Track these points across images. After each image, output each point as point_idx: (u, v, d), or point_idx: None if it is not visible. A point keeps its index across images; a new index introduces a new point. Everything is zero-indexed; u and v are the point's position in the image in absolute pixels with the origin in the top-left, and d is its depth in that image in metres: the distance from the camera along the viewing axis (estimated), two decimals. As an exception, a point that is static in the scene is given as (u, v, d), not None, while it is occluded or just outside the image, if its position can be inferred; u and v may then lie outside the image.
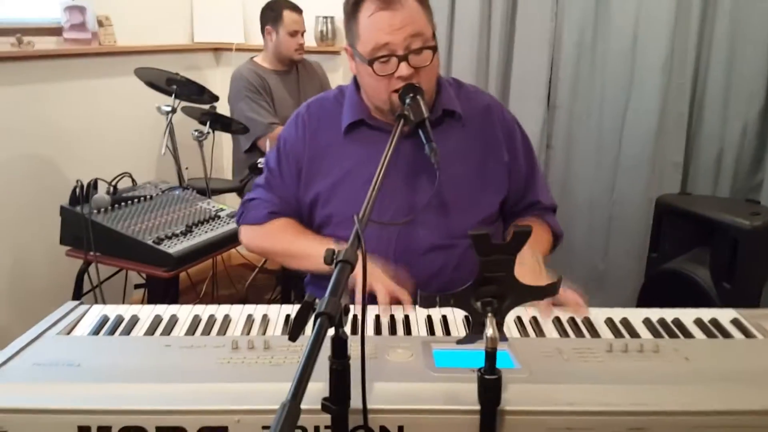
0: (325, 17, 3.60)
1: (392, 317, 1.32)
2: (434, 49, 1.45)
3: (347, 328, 0.91)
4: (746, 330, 1.27)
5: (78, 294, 2.44)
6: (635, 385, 1.02)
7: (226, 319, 1.31)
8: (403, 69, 1.41)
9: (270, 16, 3.25)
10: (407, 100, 1.39)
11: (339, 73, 3.69)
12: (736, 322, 1.30)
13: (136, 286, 2.85)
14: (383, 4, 1.40)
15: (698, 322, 1.30)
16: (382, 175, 1.16)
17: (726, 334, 1.26)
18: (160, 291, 2.42)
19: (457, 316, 1.32)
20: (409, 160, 1.52)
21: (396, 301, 1.37)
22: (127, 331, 1.27)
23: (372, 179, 1.15)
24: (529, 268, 1.37)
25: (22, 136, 2.86)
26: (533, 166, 1.70)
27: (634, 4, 3.12)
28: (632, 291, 3.10)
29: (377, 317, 1.33)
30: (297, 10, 3.27)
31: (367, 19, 1.42)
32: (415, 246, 1.53)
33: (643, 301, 2.84)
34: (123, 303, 2.55)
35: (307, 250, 1.54)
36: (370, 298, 1.38)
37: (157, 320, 1.31)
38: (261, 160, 2.76)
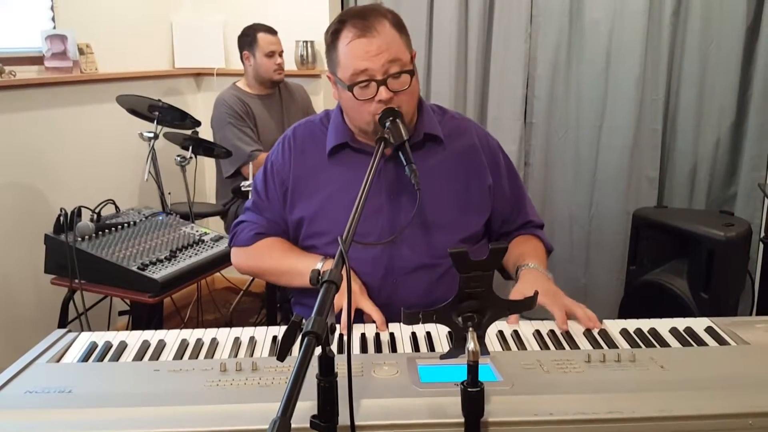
0: (305, 41, 3.66)
1: (378, 335, 1.35)
2: (412, 73, 1.49)
3: (334, 347, 0.93)
4: (720, 338, 1.31)
5: (64, 322, 2.44)
6: (613, 393, 1.05)
7: (214, 343, 1.33)
8: (383, 93, 1.45)
9: (246, 41, 3.32)
10: (387, 124, 1.43)
11: (320, 96, 3.74)
12: (710, 330, 1.34)
13: (121, 313, 2.85)
14: (360, 32, 1.45)
15: (673, 332, 1.34)
16: (365, 196, 1.20)
17: (700, 342, 1.30)
18: (145, 317, 2.43)
19: (441, 332, 1.35)
20: (392, 181, 1.56)
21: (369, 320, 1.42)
22: (116, 357, 1.29)
23: (356, 201, 1.19)
24: (549, 288, 1.45)
25: (5, 165, 2.86)
26: (519, 188, 1.75)
27: (607, 23, 3.21)
28: (614, 303, 3.16)
29: (363, 335, 1.35)
30: (271, 31, 3.32)
31: (346, 46, 1.46)
32: (401, 265, 1.56)
33: (623, 313, 2.89)
34: (108, 329, 2.55)
35: (294, 266, 1.57)
36: (355, 317, 1.42)
37: (145, 345, 1.33)
38: (244, 183, 2.79)
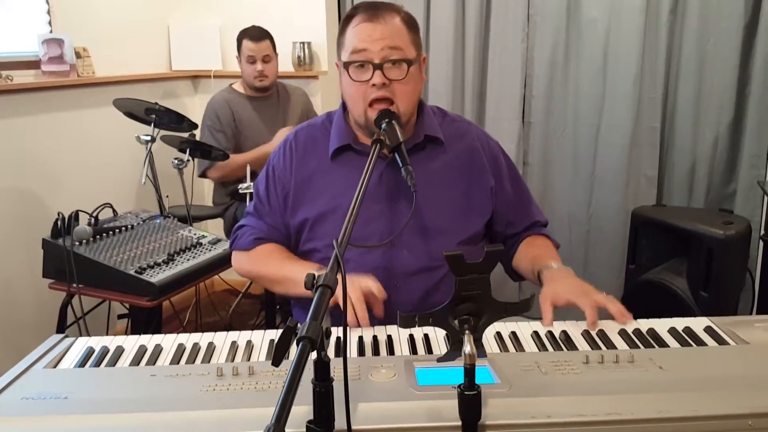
0: (302, 42, 3.65)
1: (375, 338, 1.35)
2: (410, 62, 1.50)
3: (331, 350, 0.93)
4: (719, 337, 1.30)
5: (62, 326, 2.43)
6: (611, 395, 1.04)
7: (211, 347, 1.33)
8: (377, 77, 1.46)
9: (236, 45, 3.32)
10: (383, 125, 1.43)
11: (317, 98, 3.73)
12: (709, 330, 1.33)
13: (120, 317, 2.85)
14: (368, 17, 1.48)
15: (672, 332, 1.33)
16: (360, 200, 1.19)
17: (699, 342, 1.29)
18: (144, 320, 2.42)
19: (438, 334, 1.34)
20: (391, 185, 1.56)
21: (368, 299, 1.41)
22: (113, 362, 1.28)
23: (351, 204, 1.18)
24: (578, 285, 1.45)
25: (2, 170, 2.86)
26: (522, 189, 1.75)
27: (604, 21, 3.20)
28: (613, 303, 3.15)
29: (360, 338, 1.35)
30: (255, 38, 3.24)
31: (352, 29, 1.50)
32: (400, 269, 1.56)
33: None
34: (107, 333, 2.55)
35: (290, 275, 1.56)
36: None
37: (142, 350, 1.32)
38: (242, 185, 2.79)
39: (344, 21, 1.54)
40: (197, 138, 3.22)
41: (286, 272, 1.58)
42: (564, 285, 1.45)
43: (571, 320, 1.38)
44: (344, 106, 1.64)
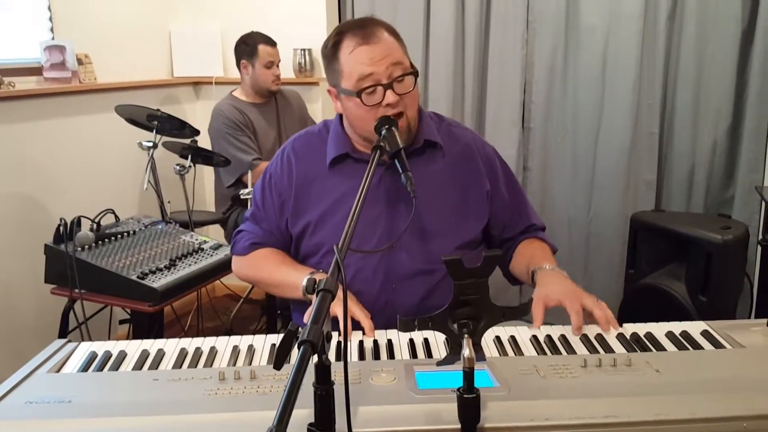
0: (303, 49, 3.67)
1: (375, 342, 1.36)
2: (415, 74, 1.52)
3: (332, 354, 0.94)
4: (716, 341, 1.32)
5: (64, 331, 2.45)
6: (609, 398, 1.06)
7: (213, 351, 1.34)
8: (390, 97, 1.47)
9: (245, 51, 3.32)
10: (383, 132, 1.44)
11: (318, 104, 3.75)
12: (705, 334, 1.35)
13: (121, 322, 2.86)
14: (362, 40, 1.48)
15: (669, 335, 1.35)
16: (361, 205, 1.21)
17: (696, 346, 1.30)
18: (146, 325, 2.43)
19: (438, 338, 1.36)
20: (390, 189, 1.58)
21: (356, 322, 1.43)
22: (116, 367, 1.29)
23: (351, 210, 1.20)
24: (570, 287, 1.47)
25: (4, 176, 2.87)
26: (518, 192, 1.77)
27: (603, 27, 3.22)
28: (613, 307, 3.12)
29: (361, 342, 1.36)
30: (271, 42, 3.33)
31: (349, 55, 1.49)
32: (399, 272, 1.57)
33: (623, 317, 2.85)
34: (108, 338, 2.56)
35: (284, 279, 1.59)
36: (354, 324, 1.42)
37: (145, 355, 1.34)
38: (243, 191, 2.81)
39: (332, 47, 1.52)
40: (210, 147, 3.23)
41: (281, 277, 1.61)
42: (556, 286, 1.47)
43: (570, 325, 1.39)
44: (340, 115, 1.65)
